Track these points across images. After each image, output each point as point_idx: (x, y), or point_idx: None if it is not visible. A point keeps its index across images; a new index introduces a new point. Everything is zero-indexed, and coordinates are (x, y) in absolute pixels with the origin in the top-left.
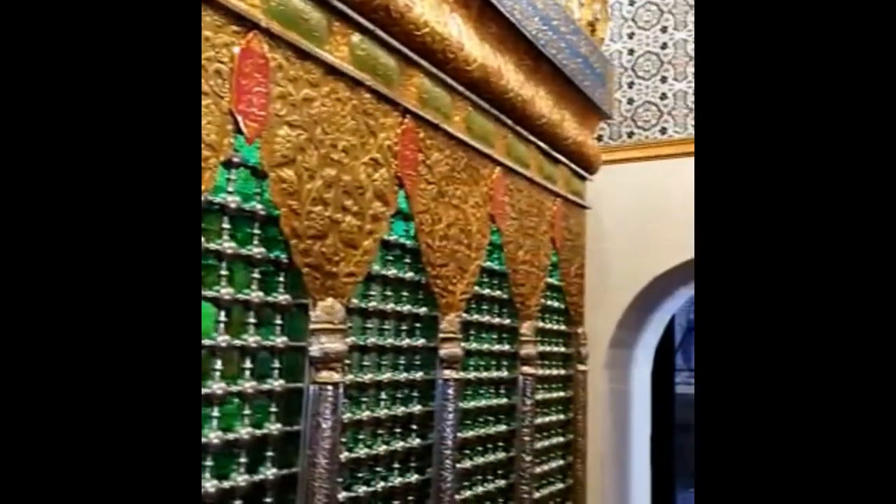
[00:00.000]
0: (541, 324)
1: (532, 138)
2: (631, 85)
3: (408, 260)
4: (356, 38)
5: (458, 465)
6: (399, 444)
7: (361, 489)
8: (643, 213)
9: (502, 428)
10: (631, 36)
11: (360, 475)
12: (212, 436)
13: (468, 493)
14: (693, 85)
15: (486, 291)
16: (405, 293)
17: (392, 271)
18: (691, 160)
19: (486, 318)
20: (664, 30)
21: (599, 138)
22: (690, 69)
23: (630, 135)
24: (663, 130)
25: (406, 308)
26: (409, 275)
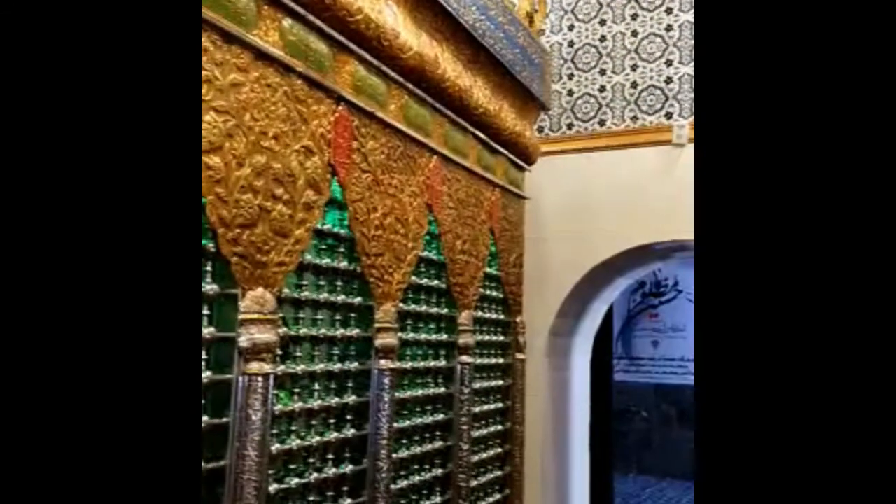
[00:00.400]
0: (479, 313)
1: (470, 128)
2: (571, 77)
3: (342, 249)
4: (287, 22)
5: (393, 455)
6: (333, 435)
7: (294, 481)
8: (582, 203)
9: (440, 417)
10: (571, 28)
11: (292, 467)
12: None
13: (404, 483)
14: (630, 77)
15: (424, 281)
16: (339, 283)
17: (326, 261)
18: (629, 151)
19: (424, 308)
20: (603, 22)
21: (540, 129)
22: (629, 61)
23: (570, 126)
24: (602, 122)
25: (340, 298)
26: (344, 264)
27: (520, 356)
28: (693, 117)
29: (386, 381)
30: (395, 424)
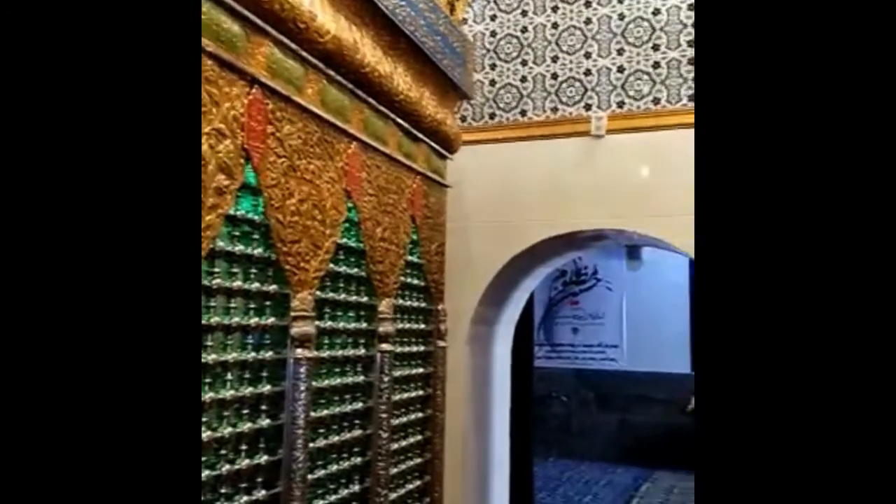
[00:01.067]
0: (400, 301)
1: (390, 115)
2: (493, 67)
3: (256, 236)
4: None
5: (310, 445)
6: (247, 426)
7: (205, 472)
8: (504, 192)
9: (359, 406)
10: (493, 18)
11: (203, 459)
12: None
13: (321, 472)
14: (551, 69)
15: (343, 269)
16: (254, 270)
17: (239, 247)
18: (550, 142)
19: (343, 296)
20: (524, 13)
21: (463, 118)
22: (549, 53)
23: (492, 116)
24: (523, 112)
25: (255, 286)
26: (259, 251)
27: (441, 344)
28: (611, 110)
29: (302, 370)
30: (313, 414)
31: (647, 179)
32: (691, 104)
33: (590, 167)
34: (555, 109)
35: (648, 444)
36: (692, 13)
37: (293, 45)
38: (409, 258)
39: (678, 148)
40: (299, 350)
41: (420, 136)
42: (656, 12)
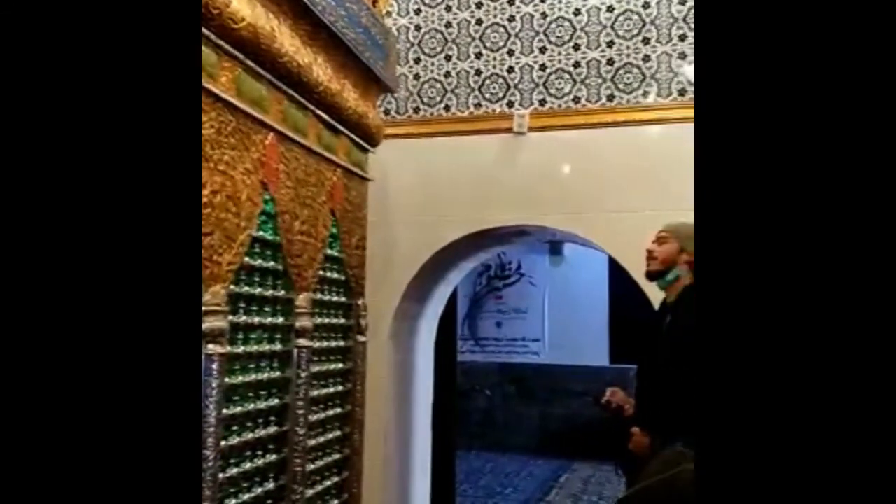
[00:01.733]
0: (319, 296)
1: (310, 106)
2: (417, 61)
3: None
4: None
5: (222, 443)
6: None
7: None
8: (428, 187)
9: (275, 402)
10: (417, 12)
11: None
12: None
13: (234, 471)
14: (475, 65)
15: (259, 262)
16: None
17: None
18: (473, 138)
19: (259, 290)
20: (448, 8)
21: (386, 112)
22: (473, 49)
23: (416, 110)
24: (447, 108)
25: None
26: None
27: (361, 339)
28: (533, 107)
29: (214, 366)
30: (225, 411)
31: (568, 177)
32: (610, 104)
33: (512, 164)
34: (478, 105)
35: (568, 436)
36: (611, 14)
37: (205, 31)
38: (329, 252)
39: (598, 146)
40: (211, 346)
41: (341, 128)
42: (577, 13)
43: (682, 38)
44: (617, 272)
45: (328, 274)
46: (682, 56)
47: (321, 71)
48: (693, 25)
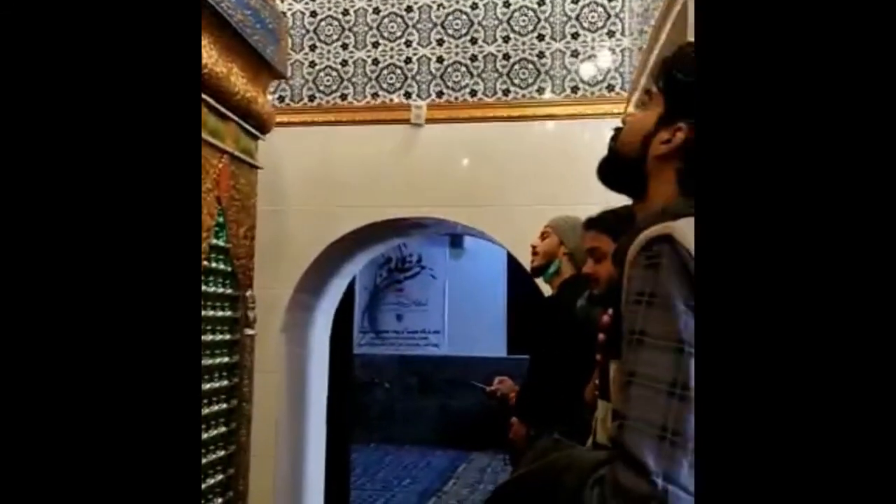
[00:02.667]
0: (203, 287)
1: None
2: (313, 48)
3: None
4: None
5: None
6: None
7: None
8: (324, 177)
9: None
10: None
11: None
12: None
13: None
14: (372, 54)
15: None
16: None
17: None
18: (371, 128)
19: None
20: None
21: (281, 99)
22: (371, 38)
23: (311, 98)
24: (344, 97)
25: None
26: None
27: (249, 332)
28: (430, 99)
29: None
30: None
31: (465, 170)
32: (506, 98)
33: (409, 155)
34: (375, 95)
35: (466, 427)
36: (507, 10)
37: None
38: (215, 242)
39: (494, 140)
40: None
41: (229, 114)
42: (474, 6)
43: (575, 35)
44: (515, 265)
45: (213, 265)
46: (575, 54)
47: (206, 53)
48: (585, 25)
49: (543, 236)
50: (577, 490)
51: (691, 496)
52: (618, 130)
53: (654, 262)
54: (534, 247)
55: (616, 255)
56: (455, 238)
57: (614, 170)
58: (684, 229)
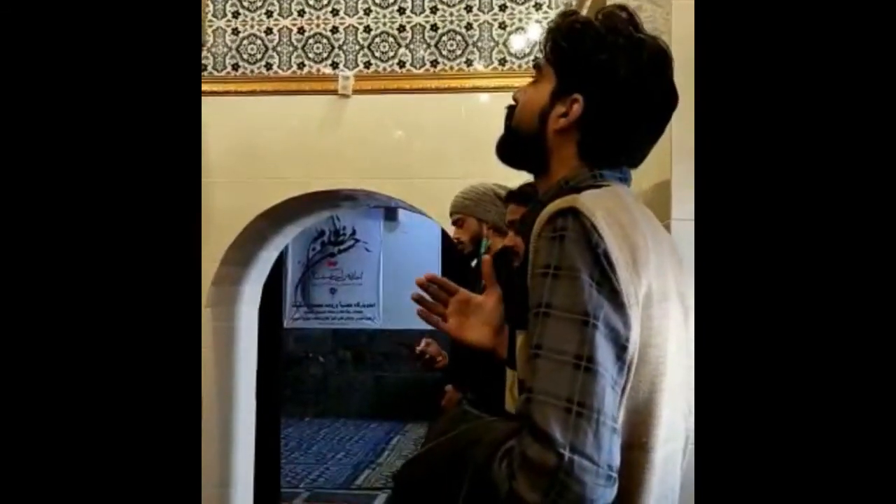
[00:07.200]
0: None
1: None
2: (236, 15)
3: None
4: None
5: None
6: None
7: None
8: (249, 148)
9: None
10: None
11: None
12: None
13: None
14: (297, 23)
15: None
16: None
17: None
18: (297, 98)
19: None
20: None
21: (204, 67)
22: (296, 6)
23: (235, 67)
24: (269, 66)
25: None
26: None
27: None
28: (358, 69)
29: None
30: None
31: (395, 142)
32: (434, 70)
33: (337, 126)
34: (301, 65)
35: (401, 399)
36: None
37: None
38: None
39: (423, 112)
40: None
41: None
42: None
43: (503, 7)
44: (449, 238)
45: None
46: (503, 26)
47: None
48: None
49: (459, 224)
50: (485, 464)
51: (597, 466)
52: (511, 108)
53: (560, 234)
54: (457, 239)
55: (521, 227)
56: (389, 211)
57: (513, 148)
58: (589, 202)
